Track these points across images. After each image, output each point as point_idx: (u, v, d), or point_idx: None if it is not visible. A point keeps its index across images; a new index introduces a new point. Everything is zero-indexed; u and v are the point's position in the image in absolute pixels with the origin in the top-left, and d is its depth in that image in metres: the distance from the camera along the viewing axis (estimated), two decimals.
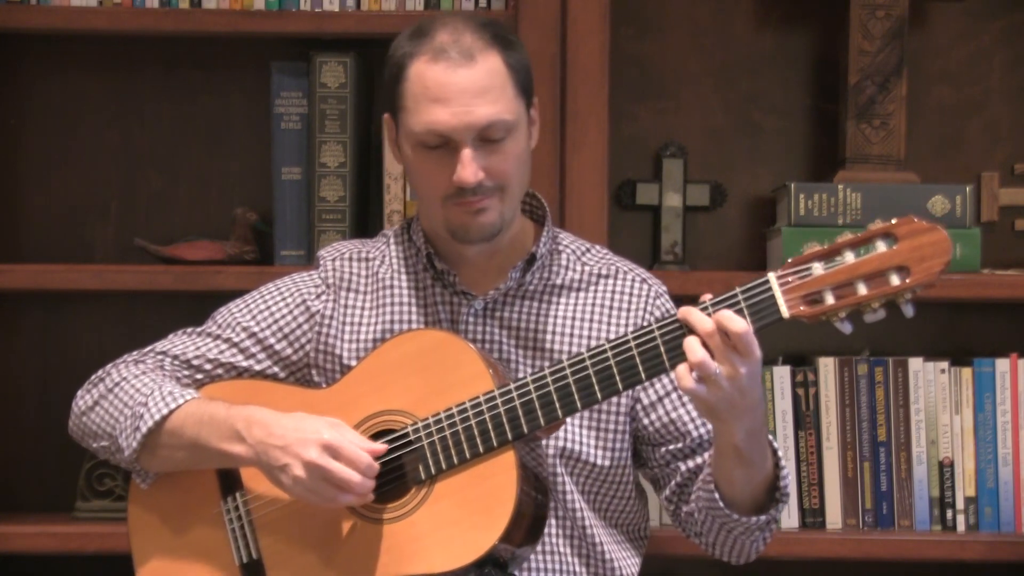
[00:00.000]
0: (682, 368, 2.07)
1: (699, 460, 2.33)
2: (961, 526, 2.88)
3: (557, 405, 2.15)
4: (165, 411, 2.26)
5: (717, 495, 2.20)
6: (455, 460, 2.17)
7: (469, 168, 2.22)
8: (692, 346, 2.05)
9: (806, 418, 2.88)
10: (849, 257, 2.03)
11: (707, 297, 2.09)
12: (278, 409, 2.25)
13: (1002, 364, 2.88)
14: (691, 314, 2.08)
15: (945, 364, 2.89)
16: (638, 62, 3.06)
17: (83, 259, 3.05)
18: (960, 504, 2.88)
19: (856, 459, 2.89)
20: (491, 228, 2.27)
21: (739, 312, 2.05)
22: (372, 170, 2.98)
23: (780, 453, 2.22)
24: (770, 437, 2.19)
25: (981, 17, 3.07)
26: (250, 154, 3.05)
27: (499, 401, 2.16)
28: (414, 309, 2.37)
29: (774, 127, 3.09)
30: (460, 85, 2.21)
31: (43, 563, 2.99)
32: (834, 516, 2.88)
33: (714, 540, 2.29)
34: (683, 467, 2.34)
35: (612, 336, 2.33)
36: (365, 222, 2.95)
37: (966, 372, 2.88)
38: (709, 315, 2.06)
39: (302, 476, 2.15)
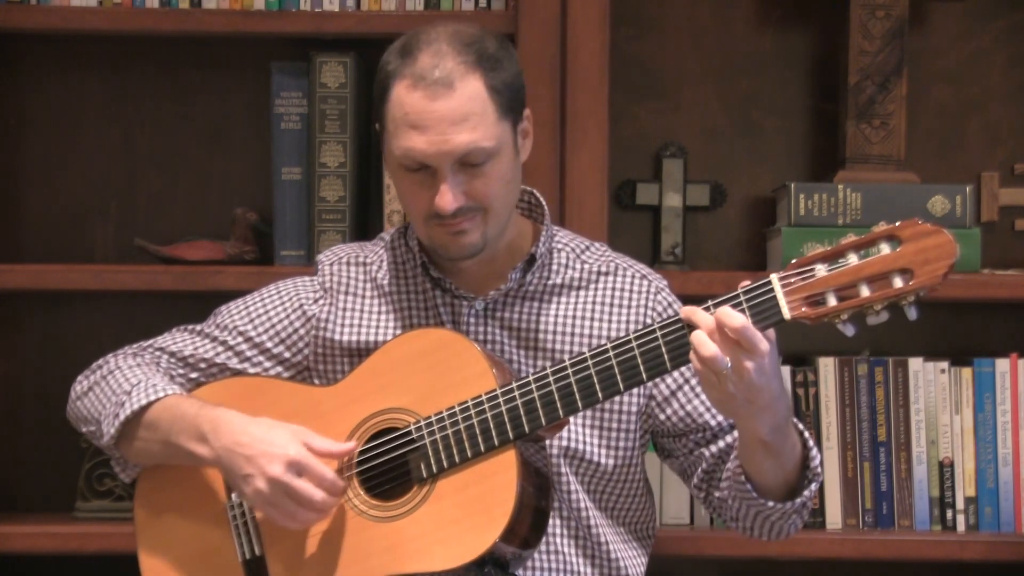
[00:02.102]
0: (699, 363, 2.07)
1: (721, 444, 2.32)
2: (961, 526, 2.88)
3: (558, 404, 2.15)
4: (144, 402, 2.28)
5: (750, 486, 2.20)
6: (456, 459, 2.17)
7: (447, 196, 2.21)
8: (702, 339, 2.04)
9: (806, 418, 2.88)
10: (852, 259, 2.01)
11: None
12: (281, 407, 2.26)
13: (1002, 364, 2.88)
14: (694, 313, 2.07)
15: (945, 364, 2.89)
16: (638, 62, 3.06)
17: (83, 259, 3.05)
18: (960, 504, 2.88)
19: (856, 459, 2.89)
20: (472, 248, 2.27)
21: (741, 313, 2.05)
22: (372, 170, 2.98)
23: (807, 434, 2.21)
24: (795, 420, 2.18)
25: (981, 17, 3.07)
26: (250, 154, 3.05)
27: (501, 400, 2.16)
28: (414, 312, 2.37)
29: (774, 127, 3.08)
30: (438, 113, 2.20)
31: (43, 563, 2.99)
32: (834, 516, 2.88)
33: (751, 524, 2.28)
34: (707, 453, 2.33)
35: (613, 334, 2.33)
36: (365, 222, 2.95)
37: (966, 372, 2.88)
38: (712, 314, 2.06)
39: (264, 490, 2.16)
